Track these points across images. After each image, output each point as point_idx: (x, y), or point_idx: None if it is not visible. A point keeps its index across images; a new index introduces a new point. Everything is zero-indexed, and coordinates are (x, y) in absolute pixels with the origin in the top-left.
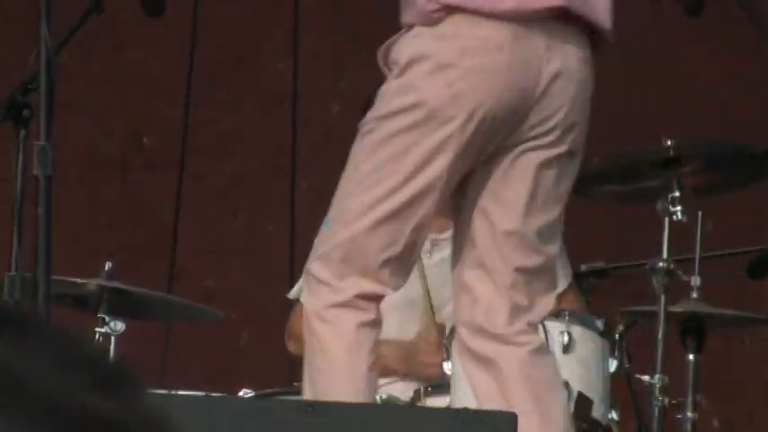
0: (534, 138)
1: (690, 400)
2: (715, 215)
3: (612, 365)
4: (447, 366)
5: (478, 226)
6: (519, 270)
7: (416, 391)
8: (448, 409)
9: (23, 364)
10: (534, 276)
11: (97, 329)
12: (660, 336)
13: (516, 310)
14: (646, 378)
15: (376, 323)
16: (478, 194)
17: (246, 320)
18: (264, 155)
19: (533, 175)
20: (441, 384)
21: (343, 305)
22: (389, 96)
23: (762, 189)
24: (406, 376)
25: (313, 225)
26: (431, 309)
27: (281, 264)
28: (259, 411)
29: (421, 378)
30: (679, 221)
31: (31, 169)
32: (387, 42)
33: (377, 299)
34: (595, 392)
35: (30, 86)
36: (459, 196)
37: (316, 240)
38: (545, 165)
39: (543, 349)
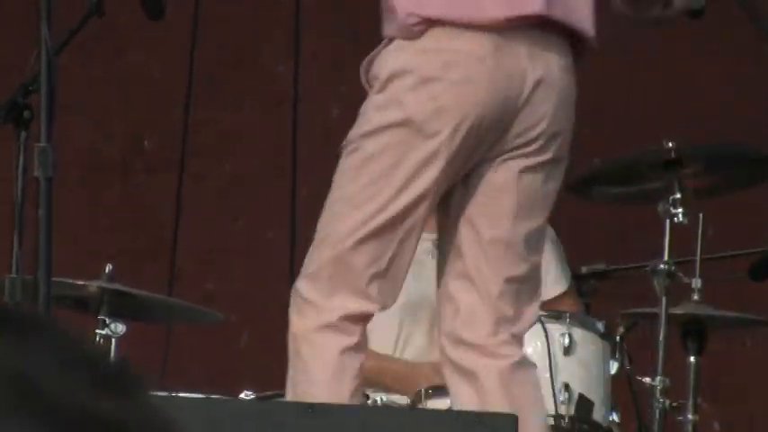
0: (518, 147)
1: (691, 402)
2: (716, 217)
3: (613, 367)
4: None
5: (465, 236)
6: (508, 280)
7: (417, 393)
8: (449, 411)
9: (24, 364)
10: (522, 285)
11: (98, 331)
12: (661, 338)
13: (501, 321)
14: (646, 380)
15: (360, 347)
16: (464, 204)
17: (247, 322)
18: (264, 155)
19: (518, 183)
20: (441, 386)
21: (329, 327)
22: (372, 112)
23: (763, 191)
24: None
25: (313, 226)
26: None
27: (281, 265)
28: (259, 413)
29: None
30: (680, 223)
31: (31, 171)
32: (368, 57)
33: (363, 319)
34: (596, 394)
35: (30, 88)
36: (443, 207)
37: (305, 259)
38: (530, 172)
39: (525, 363)
